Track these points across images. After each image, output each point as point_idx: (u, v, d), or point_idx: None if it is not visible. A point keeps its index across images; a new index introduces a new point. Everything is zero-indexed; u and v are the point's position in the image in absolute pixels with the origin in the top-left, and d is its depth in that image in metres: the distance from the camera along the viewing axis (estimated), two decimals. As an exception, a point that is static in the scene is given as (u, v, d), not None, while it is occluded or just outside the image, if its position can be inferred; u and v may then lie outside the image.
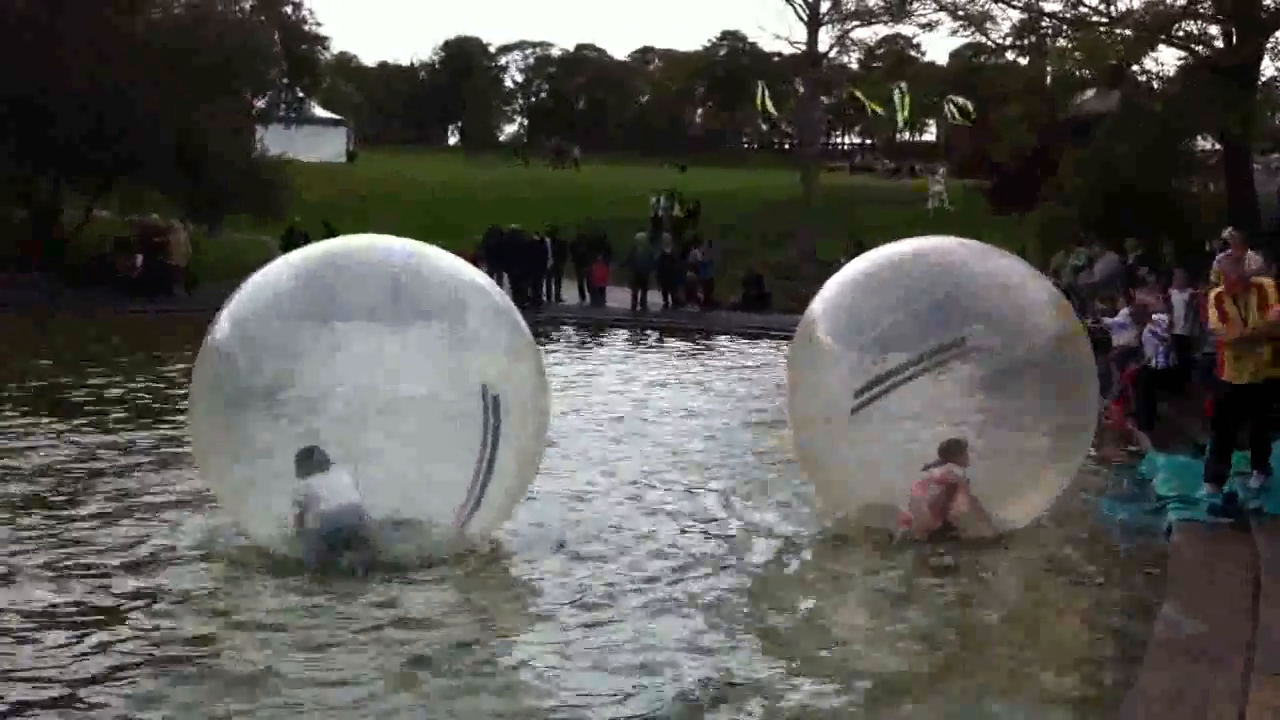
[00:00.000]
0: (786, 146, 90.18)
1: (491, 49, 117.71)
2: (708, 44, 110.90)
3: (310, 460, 8.54)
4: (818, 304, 10.40)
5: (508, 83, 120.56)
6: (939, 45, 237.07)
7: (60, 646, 7.13)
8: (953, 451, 9.52)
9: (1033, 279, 10.57)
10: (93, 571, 8.45)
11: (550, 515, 10.19)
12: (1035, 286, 10.40)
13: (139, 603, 7.89)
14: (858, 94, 49.23)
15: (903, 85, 46.42)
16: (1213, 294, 10.60)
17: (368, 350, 8.77)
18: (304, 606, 7.89)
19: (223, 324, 8.83)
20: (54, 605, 7.78)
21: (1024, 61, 37.39)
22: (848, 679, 6.94)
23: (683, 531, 10.01)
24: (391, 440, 8.59)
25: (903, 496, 9.64)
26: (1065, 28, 29.23)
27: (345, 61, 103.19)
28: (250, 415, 8.71)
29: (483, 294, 9.36)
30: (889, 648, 7.51)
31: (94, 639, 7.24)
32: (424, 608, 7.96)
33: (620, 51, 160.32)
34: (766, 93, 46.33)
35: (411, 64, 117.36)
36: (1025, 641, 7.75)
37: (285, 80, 44.54)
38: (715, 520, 10.42)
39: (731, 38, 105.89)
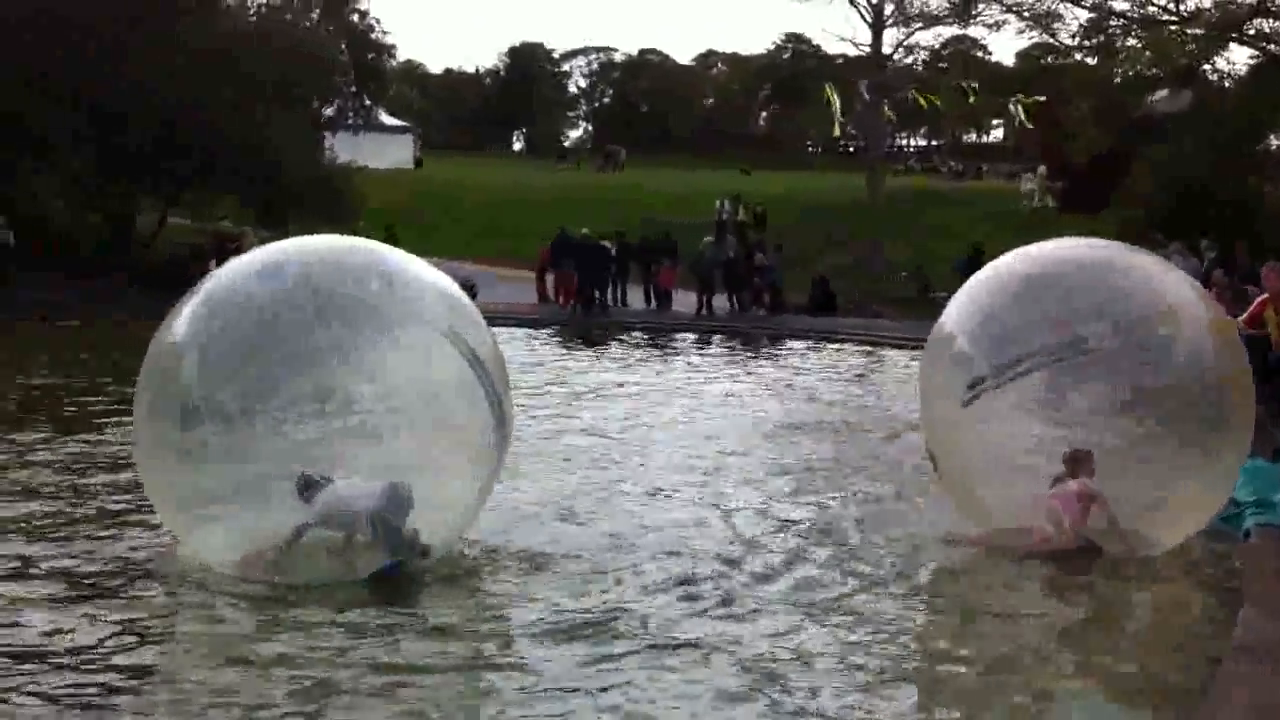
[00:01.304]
0: (851, 149, 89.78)
1: (555, 54, 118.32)
2: (771, 47, 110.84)
3: (310, 486, 8.05)
4: (952, 311, 10.03)
5: (571, 88, 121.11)
6: (1005, 45, 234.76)
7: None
8: (1079, 462, 8.99)
9: (1174, 275, 10.03)
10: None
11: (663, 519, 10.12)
12: (1177, 282, 9.80)
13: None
14: (920, 95, 48.90)
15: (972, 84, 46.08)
16: (1261, 299, 10.51)
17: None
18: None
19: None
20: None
21: (1092, 61, 37.04)
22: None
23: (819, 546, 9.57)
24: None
25: (1034, 513, 9.17)
26: (1134, 27, 28.93)
27: (412, 69, 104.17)
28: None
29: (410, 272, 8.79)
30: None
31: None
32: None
33: (684, 55, 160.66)
34: (835, 94, 46.21)
35: (476, 71, 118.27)
36: (1104, 640, 7.70)
37: (353, 88, 45.07)
38: (838, 533, 10.04)
39: (795, 40, 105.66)
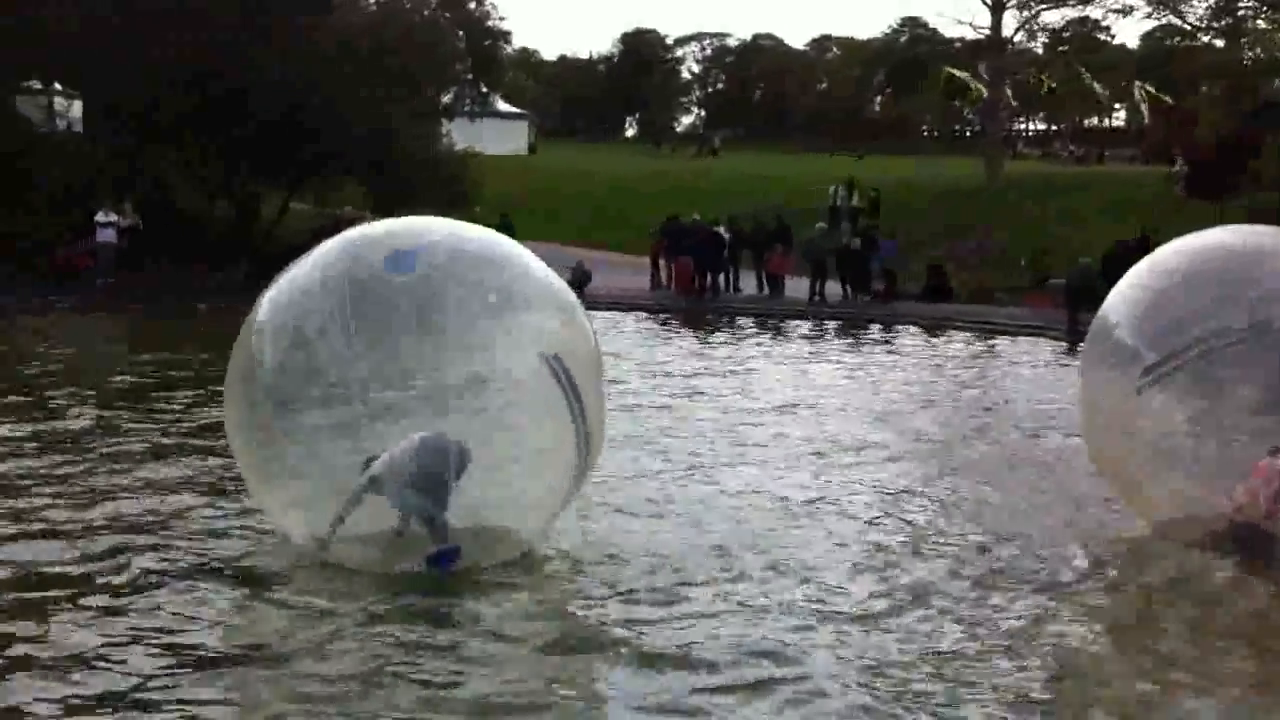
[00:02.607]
0: (968, 134, 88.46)
1: (669, 40, 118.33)
2: (887, 31, 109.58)
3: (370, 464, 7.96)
4: (1114, 300, 9.96)
5: (684, 74, 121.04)
6: (1128, 28, 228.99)
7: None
8: None
9: None
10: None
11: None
12: None
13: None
14: (1043, 78, 47.91)
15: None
16: None
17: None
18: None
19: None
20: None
21: (1220, 44, 36.04)
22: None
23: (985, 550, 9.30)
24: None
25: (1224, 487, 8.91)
26: (1265, 9, 28.11)
27: (526, 56, 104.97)
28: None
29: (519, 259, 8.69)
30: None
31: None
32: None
33: (798, 41, 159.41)
34: (955, 77, 45.50)
35: (590, 57, 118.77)
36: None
37: (469, 76, 45.63)
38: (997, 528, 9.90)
39: (911, 24, 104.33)
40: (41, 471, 10.88)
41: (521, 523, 8.58)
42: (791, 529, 9.70)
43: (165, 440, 12.38)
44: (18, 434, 12.39)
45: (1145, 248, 11.32)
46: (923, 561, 8.90)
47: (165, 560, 8.46)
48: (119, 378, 16.56)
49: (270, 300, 8.37)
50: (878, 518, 10.13)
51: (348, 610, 7.47)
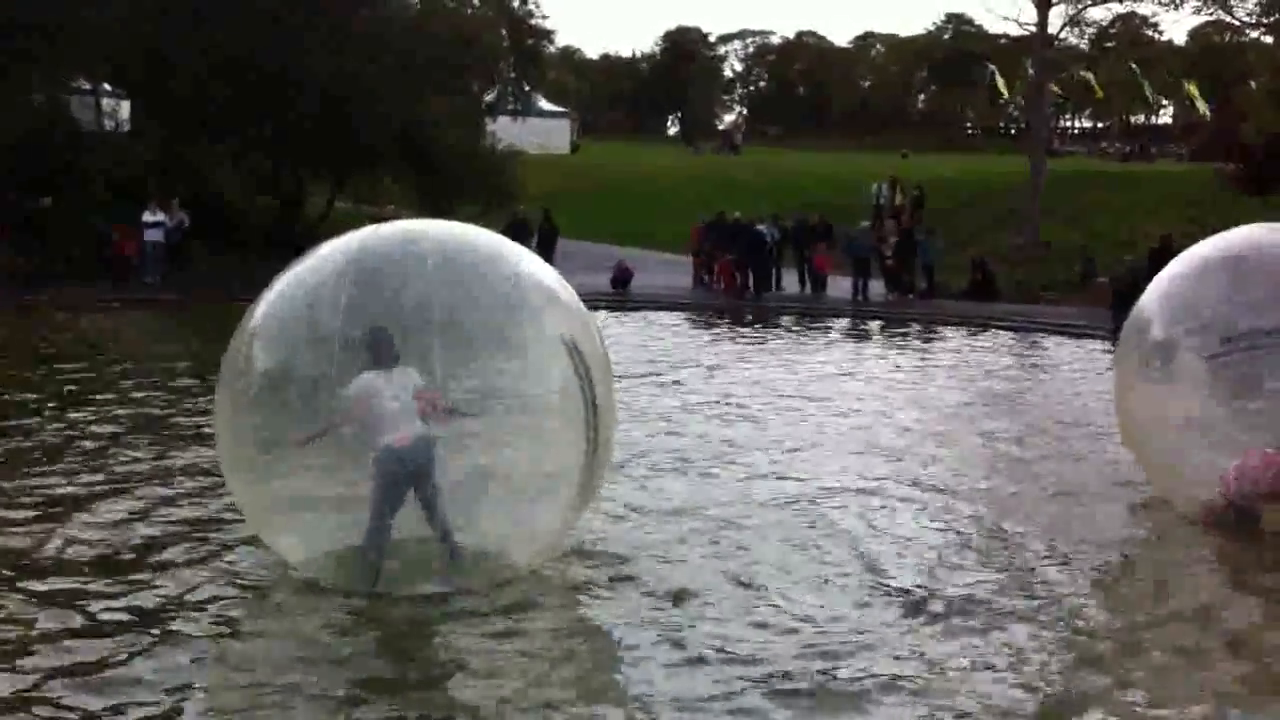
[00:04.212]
0: (1013, 131, 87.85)
1: (711, 38, 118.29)
2: (931, 27, 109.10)
3: (377, 348, 7.50)
4: (1151, 296, 10.12)
5: (727, 72, 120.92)
6: (1176, 24, 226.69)
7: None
8: None
9: None
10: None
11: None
12: None
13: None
14: (1088, 75, 47.53)
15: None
16: None
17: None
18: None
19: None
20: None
21: (1269, 40, 35.58)
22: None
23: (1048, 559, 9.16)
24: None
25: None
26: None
27: (569, 54, 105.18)
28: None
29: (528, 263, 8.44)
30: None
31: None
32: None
33: (841, 38, 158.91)
34: (998, 75, 45.24)
35: (633, 55, 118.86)
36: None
37: (512, 73, 45.75)
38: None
39: (956, 20, 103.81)
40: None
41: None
42: (863, 524, 9.80)
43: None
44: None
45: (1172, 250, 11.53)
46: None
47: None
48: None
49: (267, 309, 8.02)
50: (944, 515, 10.14)
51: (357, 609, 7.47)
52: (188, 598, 7.78)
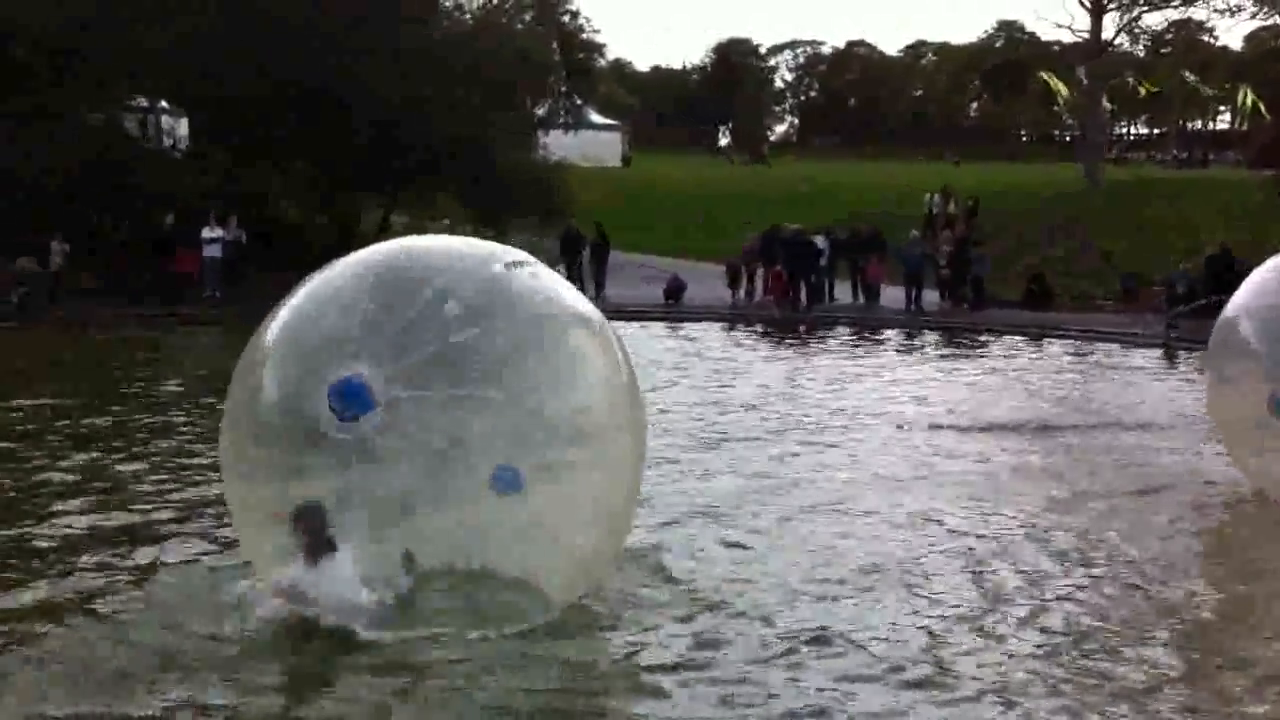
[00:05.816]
0: (1068, 139, 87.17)
1: (762, 50, 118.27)
2: (983, 35, 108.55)
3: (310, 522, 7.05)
4: (1240, 301, 10.27)
5: (778, 83, 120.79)
6: (1232, 30, 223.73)
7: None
8: None
9: None
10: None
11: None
12: None
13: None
14: (1142, 81, 47.11)
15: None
16: None
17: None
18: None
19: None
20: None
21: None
22: None
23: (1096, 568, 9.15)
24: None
25: None
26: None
27: (620, 67, 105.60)
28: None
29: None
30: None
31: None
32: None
33: (892, 47, 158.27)
34: (1055, 81, 44.96)
35: (684, 67, 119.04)
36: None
37: (564, 88, 46.01)
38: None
39: (1008, 28, 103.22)
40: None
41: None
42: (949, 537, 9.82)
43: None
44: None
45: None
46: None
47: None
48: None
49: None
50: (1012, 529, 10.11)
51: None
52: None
